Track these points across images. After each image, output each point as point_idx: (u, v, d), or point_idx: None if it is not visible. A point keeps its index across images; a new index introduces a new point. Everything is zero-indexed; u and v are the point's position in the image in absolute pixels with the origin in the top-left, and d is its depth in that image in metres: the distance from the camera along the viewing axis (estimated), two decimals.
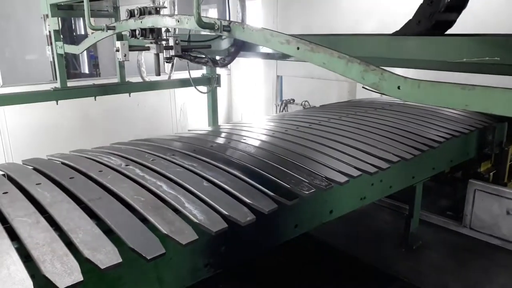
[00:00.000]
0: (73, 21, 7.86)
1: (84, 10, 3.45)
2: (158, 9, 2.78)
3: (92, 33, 3.60)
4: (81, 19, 7.72)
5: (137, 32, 2.90)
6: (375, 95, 5.17)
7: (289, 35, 1.81)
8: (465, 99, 1.33)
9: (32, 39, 6.76)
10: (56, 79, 4.76)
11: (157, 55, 3.11)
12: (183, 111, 7.64)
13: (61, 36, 4.51)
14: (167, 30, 3.04)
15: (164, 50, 3.07)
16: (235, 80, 8.27)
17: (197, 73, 5.81)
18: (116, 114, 6.80)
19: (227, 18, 2.45)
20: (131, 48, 3.15)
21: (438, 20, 2.17)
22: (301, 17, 6.36)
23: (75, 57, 7.72)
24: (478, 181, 4.00)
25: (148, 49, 3.08)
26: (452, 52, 1.91)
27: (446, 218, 4.36)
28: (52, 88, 4.60)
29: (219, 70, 5.91)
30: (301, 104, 6.33)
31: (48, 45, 6.50)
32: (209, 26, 2.09)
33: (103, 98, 5.60)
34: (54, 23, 4.35)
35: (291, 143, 2.69)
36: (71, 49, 4.33)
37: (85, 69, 7.79)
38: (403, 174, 3.27)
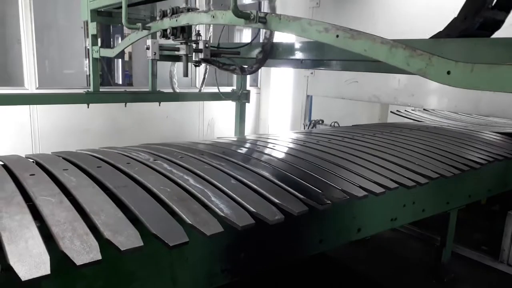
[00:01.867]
0: (111, 38, 8.11)
1: (121, 17, 3.53)
2: (190, 10, 2.83)
3: (127, 34, 3.68)
4: (120, 37, 7.98)
5: (168, 31, 2.94)
6: (407, 120, 5.03)
7: (329, 23, 1.75)
8: None
9: (71, 52, 6.96)
10: (89, 86, 4.85)
11: (186, 56, 3.13)
12: (210, 126, 7.66)
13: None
14: (198, 34, 3.14)
15: (193, 53, 3.15)
16: (264, 98, 8.27)
17: (227, 89, 5.83)
18: (145, 124, 6.86)
19: None
20: (161, 47, 3.17)
21: (485, 18, 2.04)
22: None
23: (111, 75, 7.93)
24: None
25: (177, 49, 3.12)
26: (501, 53, 1.80)
27: (481, 252, 4.11)
28: (84, 91, 4.69)
29: (248, 87, 5.92)
30: (330, 125, 6.23)
31: (86, 57, 6.71)
32: (245, 16, 2.06)
33: (133, 107, 5.67)
34: (93, 28, 4.46)
35: (323, 153, 2.59)
36: (106, 52, 4.42)
37: (119, 81, 7.97)
38: (438, 198, 3.11)
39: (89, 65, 4.86)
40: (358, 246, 4.19)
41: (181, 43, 3.09)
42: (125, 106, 5.01)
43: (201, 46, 3.10)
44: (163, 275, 1.77)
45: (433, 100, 5.30)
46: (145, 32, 3.29)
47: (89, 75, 4.91)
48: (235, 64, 3.47)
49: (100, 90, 4.78)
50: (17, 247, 1.24)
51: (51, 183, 1.72)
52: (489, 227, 4.34)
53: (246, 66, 3.56)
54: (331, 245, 2.43)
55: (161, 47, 3.15)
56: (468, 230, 4.42)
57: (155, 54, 3.09)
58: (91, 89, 4.70)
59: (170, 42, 3.27)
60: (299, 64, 3.38)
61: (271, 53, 3.43)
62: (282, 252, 2.20)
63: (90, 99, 4.65)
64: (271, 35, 3.39)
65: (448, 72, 1.36)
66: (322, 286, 3.58)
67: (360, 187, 2.06)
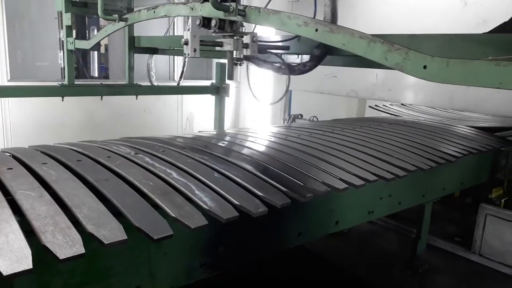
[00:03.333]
0: (87, 32, 7.91)
1: (97, 8, 3.45)
2: None
3: (103, 26, 3.57)
4: (95, 29, 7.79)
5: (213, 23, 2.33)
6: (385, 114, 5.13)
7: (308, 17, 1.76)
8: (499, 76, 1.22)
9: (44, 43, 6.75)
10: (64, 78, 4.73)
11: (231, 53, 2.49)
12: (189, 120, 7.61)
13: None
14: (241, 25, 2.52)
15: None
16: (243, 93, 8.26)
17: (207, 82, 5.79)
18: (122, 118, 6.75)
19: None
20: (202, 42, 2.48)
21: None
22: None
23: (86, 67, 7.76)
24: (490, 205, 3.90)
25: (220, 44, 2.49)
26: (477, 50, 1.86)
27: (454, 243, 4.24)
28: (59, 83, 4.57)
29: (227, 81, 5.88)
30: (309, 120, 6.29)
31: (60, 49, 6.52)
32: (224, 8, 2.04)
33: (110, 101, 5.56)
34: (67, 19, 4.35)
35: (304, 146, 2.61)
36: (81, 44, 4.32)
37: (95, 74, 7.78)
38: (413, 191, 3.18)
39: (63, 57, 4.74)
40: (336, 238, 4.26)
41: (226, 37, 2.47)
42: (101, 99, 4.92)
43: (247, 40, 2.46)
44: (141, 270, 1.74)
45: (409, 95, 5.41)
46: (122, 23, 3.22)
47: (64, 67, 4.79)
48: (281, 62, 2.86)
49: (75, 83, 4.67)
50: None
51: (30, 177, 1.68)
52: (462, 219, 4.47)
53: (295, 64, 2.97)
54: (309, 238, 2.45)
55: (202, 42, 2.47)
56: (442, 222, 4.55)
57: (195, 51, 2.42)
58: (65, 82, 4.59)
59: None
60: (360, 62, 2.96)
61: (331, 48, 2.75)
62: (262, 246, 2.20)
63: (64, 92, 4.54)
64: None
65: (425, 67, 1.40)
66: (300, 278, 3.62)
67: (341, 179, 2.10)
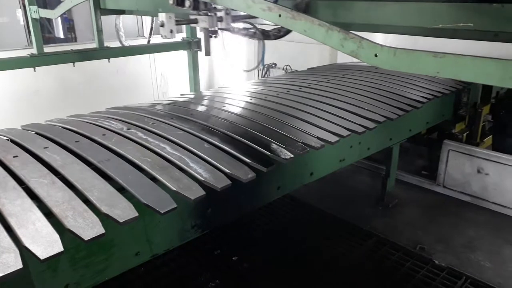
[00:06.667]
0: None
1: None
2: None
3: None
4: None
5: (187, 4, 2.39)
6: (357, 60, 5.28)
7: (271, 2, 1.86)
8: (436, 66, 1.42)
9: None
10: (31, 44, 4.63)
11: (207, 30, 2.60)
12: (163, 77, 7.57)
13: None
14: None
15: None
16: (216, 44, 8.16)
17: (177, 36, 5.73)
18: (96, 81, 6.68)
19: None
20: (178, 22, 2.51)
21: None
22: None
23: (49, 20, 7.44)
24: (452, 141, 4.24)
25: (195, 21, 2.56)
26: (429, 18, 2.00)
27: (421, 177, 4.62)
28: (28, 54, 4.49)
29: (199, 34, 5.83)
30: (283, 69, 6.39)
31: (19, 7, 6.26)
32: None
33: (82, 64, 5.47)
34: None
35: (283, 106, 2.80)
36: (46, 13, 4.22)
37: (60, 33, 7.49)
38: (381, 136, 3.38)
39: (27, 26, 4.61)
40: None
41: (201, 14, 2.55)
42: (74, 65, 4.87)
43: (221, 14, 2.59)
44: (139, 238, 1.92)
45: (379, 36, 5.53)
46: None
47: (30, 35, 4.68)
48: (255, 27, 2.96)
49: (45, 51, 4.59)
50: (27, 230, 1.38)
51: (37, 164, 1.82)
52: (428, 154, 4.81)
53: (270, 30, 3.01)
54: (287, 190, 2.65)
55: (177, 22, 2.52)
56: (410, 158, 4.89)
57: (171, 32, 2.46)
58: (35, 51, 4.51)
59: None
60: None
61: (307, 12, 2.54)
62: (245, 203, 2.39)
63: (35, 62, 4.46)
64: None
65: (376, 55, 1.56)
66: (282, 220, 3.92)
67: (318, 138, 2.32)
